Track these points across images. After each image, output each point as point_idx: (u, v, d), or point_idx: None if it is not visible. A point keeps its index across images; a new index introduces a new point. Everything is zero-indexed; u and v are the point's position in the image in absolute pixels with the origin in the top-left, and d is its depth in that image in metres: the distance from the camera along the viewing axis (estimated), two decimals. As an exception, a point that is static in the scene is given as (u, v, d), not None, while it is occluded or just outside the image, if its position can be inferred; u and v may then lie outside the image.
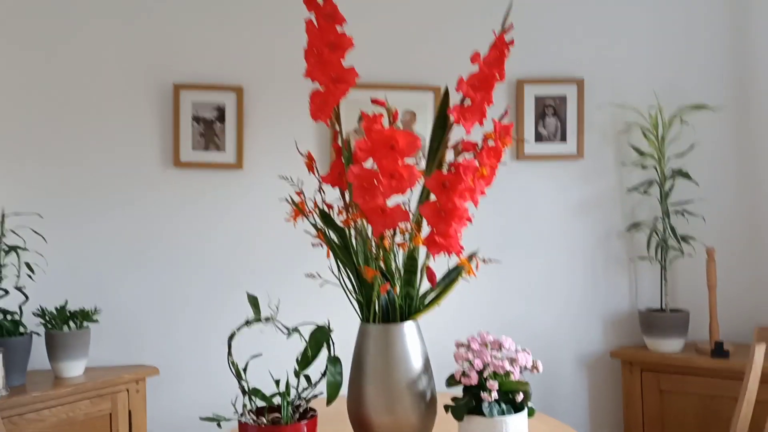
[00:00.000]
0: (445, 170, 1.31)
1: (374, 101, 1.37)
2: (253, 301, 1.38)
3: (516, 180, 2.45)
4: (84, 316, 2.11)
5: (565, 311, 2.47)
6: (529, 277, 2.46)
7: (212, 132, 2.33)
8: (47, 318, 2.08)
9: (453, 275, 1.36)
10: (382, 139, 1.25)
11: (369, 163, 1.27)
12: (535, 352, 1.45)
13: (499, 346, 1.36)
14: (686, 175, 2.25)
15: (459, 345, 1.40)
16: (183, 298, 2.36)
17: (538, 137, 2.42)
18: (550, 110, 2.43)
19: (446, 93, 1.36)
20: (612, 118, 2.45)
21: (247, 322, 1.35)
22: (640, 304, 2.45)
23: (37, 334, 2.10)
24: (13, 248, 2.04)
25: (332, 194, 1.37)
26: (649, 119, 2.32)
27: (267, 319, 1.36)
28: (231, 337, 1.35)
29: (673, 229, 2.25)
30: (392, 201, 1.25)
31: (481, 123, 1.33)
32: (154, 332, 2.33)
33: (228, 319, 2.25)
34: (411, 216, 1.30)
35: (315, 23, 1.27)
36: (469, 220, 1.31)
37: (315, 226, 1.35)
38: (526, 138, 2.41)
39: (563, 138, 2.42)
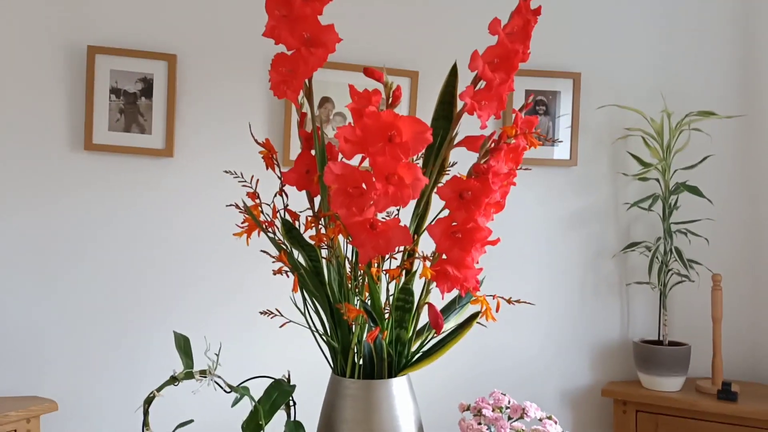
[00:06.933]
0: (447, 175, 1.06)
1: (368, 73, 1.05)
2: (184, 347, 1.03)
3: (495, 187, 2.21)
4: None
5: (549, 340, 2.32)
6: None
7: (135, 109, 2.11)
8: None
9: (466, 320, 1.07)
10: (378, 127, 0.97)
11: (355, 160, 0.98)
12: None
13: (522, 413, 1.05)
14: (695, 191, 2.03)
15: (465, 409, 1.13)
16: (93, 314, 2.09)
17: (526, 138, 2.15)
18: (542, 108, 2.18)
19: (454, 70, 1.09)
20: (610, 121, 2.30)
21: (174, 379, 0.98)
22: (632, 335, 2.32)
23: None
24: None
25: (297, 199, 1.07)
26: (653, 125, 2.10)
27: (203, 374, 1.00)
28: (148, 402, 0.97)
29: (678, 252, 2.05)
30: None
31: (497, 114, 1.05)
32: (54, 357, 2.07)
33: (150, 344, 2.06)
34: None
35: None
36: (492, 243, 1.01)
37: (275, 242, 1.00)
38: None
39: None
